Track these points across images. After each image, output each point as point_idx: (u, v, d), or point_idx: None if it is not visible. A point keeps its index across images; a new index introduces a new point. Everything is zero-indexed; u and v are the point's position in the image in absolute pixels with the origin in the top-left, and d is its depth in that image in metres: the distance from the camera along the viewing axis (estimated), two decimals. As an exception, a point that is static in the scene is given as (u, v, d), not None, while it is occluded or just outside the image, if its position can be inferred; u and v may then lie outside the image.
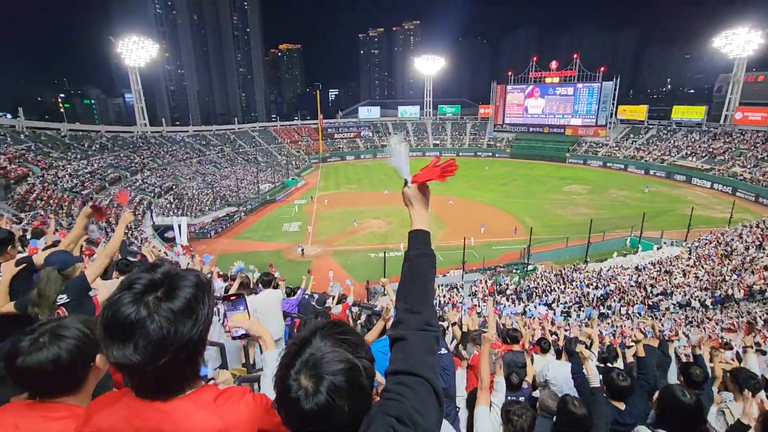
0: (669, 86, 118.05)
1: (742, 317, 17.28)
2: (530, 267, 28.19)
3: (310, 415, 0.91)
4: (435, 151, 72.97)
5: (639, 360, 3.67)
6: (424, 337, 1.15)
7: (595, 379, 3.11)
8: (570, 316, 19.94)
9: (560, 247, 30.94)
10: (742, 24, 51.21)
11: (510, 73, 73.12)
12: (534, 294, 23.14)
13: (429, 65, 79.68)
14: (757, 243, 25.83)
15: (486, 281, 25.99)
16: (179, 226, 31.17)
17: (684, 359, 5.84)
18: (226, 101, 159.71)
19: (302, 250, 30.30)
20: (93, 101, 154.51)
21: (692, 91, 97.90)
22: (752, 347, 5.18)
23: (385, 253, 25.23)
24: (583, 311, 20.39)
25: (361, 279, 24.99)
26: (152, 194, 40.90)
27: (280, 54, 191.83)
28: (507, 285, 25.01)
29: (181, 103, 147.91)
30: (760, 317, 16.55)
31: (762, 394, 3.29)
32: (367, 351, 1.05)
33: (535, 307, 21.29)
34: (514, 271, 27.84)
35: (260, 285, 5.43)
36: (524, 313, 20.13)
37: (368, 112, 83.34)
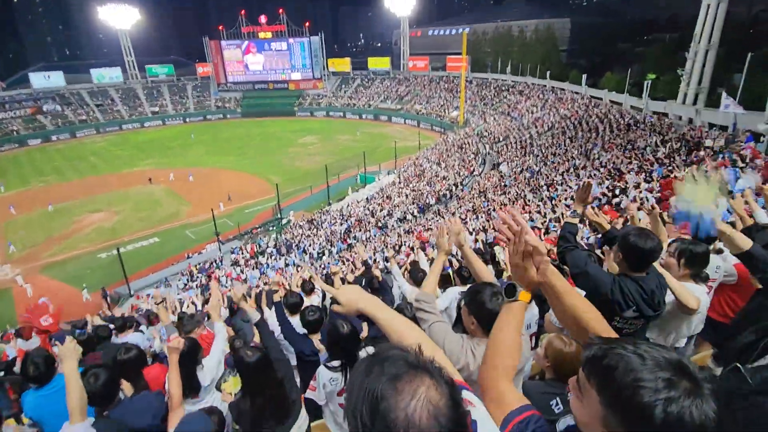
0: (363, 40, 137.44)
1: (436, 216, 23.58)
2: (284, 221, 29.68)
3: None
4: (156, 120, 63.54)
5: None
6: None
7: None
8: (324, 255, 22.49)
9: (306, 195, 33.58)
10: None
11: (221, 28, 68.91)
12: (292, 245, 24.76)
13: (122, 17, 65.69)
14: (437, 161, 35.00)
15: (245, 246, 25.96)
16: None
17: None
18: None
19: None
20: None
21: (379, 44, 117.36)
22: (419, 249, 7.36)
23: (118, 249, 21.38)
24: (334, 247, 23.34)
25: (95, 287, 20.75)
26: None
27: None
28: (266, 244, 25.75)
29: None
30: (442, 214, 23.07)
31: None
32: None
33: (296, 256, 22.97)
34: (271, 228, 28.76)
35: None
36: (286, 265, 21.44)
37: (46, 79, 63.12)
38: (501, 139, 35.05)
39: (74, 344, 2.34)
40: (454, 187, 28.55)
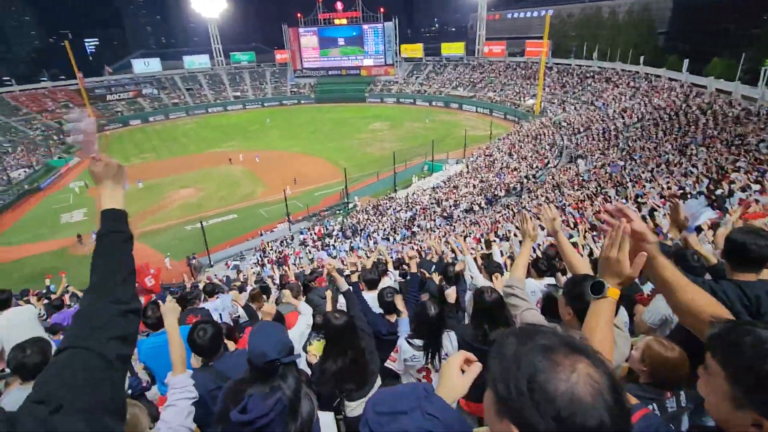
0: (437, 25, 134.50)
1: (505, 209, 22.71)
2: (350, 205, 30.39)
3: None
4: (238, 104, 67.88)
5: (411, 276, 4.14)
6: (107, 312, 1.09)
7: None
8: (389, 240, 22.71)
9: (373, 181, 34.04)
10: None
11: (300, 15, 71.32)
12: (357, 229, 25.31)
13: (210, 6, 70.66)
14: (508, 151, 33.57)
15: (313, 227, 27.01)
16: None
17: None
18: None
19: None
20: None
21: (453, 29, 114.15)
22: (496, 240, 7.09)
23: (202, 222, 23.34)
24: (398, 234, 23.47)
25: (180, 256, 22.85)
26: None
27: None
28: (333, 227, 26.59)
29: None
30: (512, 207, 22.13)
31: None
32: None
33: (360, 240, 23.47)
34: (337, 212, 29.62)
35: None
36: (351, 249, 21.99)
37: (146, 66, 70.18)
38: (581, 130, 32.66)
39: (174, 303, 2.58)
40: (525, 180, 27.23)
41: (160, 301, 4.28)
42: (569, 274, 2.53)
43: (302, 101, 69.48)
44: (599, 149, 27.38)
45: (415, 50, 70.57)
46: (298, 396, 1.62)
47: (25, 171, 40.07)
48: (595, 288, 1.43)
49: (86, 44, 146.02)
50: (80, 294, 8.14)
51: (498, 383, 0.80)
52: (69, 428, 0.86)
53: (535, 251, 6.31)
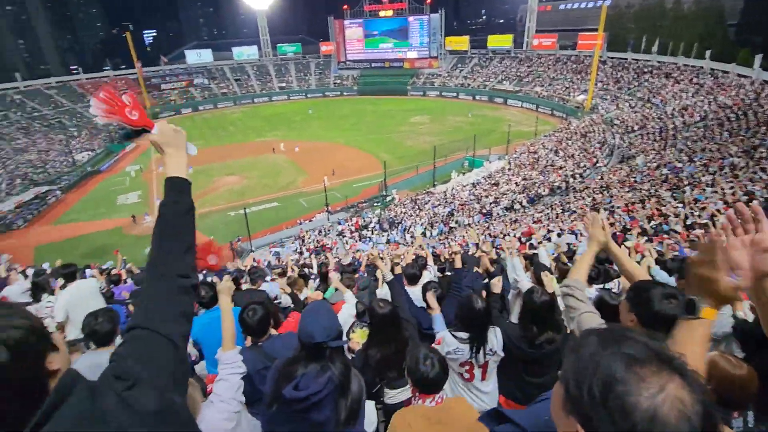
0: (484, 17, 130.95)
1: (547, 209, 21.94)
2: (388, 198, 30.41)
3: None
4: (282, 95, 69.45)
5: (455, 271, 4.18)
6: (169, 287, 1.13)
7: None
8: (425, 235, 22.55)
9: (412, 175, 33.86)
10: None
11: (345, 7, 71.71)
12: (394, 222, 25.31)
13: (259, -1, 72.61)
14: (554, 149, 32.32)
15: (351, 219, 27.29)
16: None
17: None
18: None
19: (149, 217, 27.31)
20: None
21: (502, 21, 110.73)
22: (542, 242, 6.83)
23: (245, 209, 24.17)
24: (435, 228, 23.25)
25: (224, 240, 23.78)
26: None
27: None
28: (370, 219, 26.74)
29: None
30: (558, 206, 21.32)
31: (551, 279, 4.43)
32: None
33: (397, 234, 23.47)
34: (375, 204, 29.74)
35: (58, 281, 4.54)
36: (388, 242, 22.03)
37: (198, 56, 73.26)
38: (635, 129, 30.87)
39: (230, 282, 2.65)
40: (571, 179, 26.13)
41: (216, 278, 4.45)
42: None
43: (345, 93, 70.07)
44: (654, 149, 25.80)
45: (461, 43, 69.13)
46: (347, 377, 1.68)
47: (88, 154, 43.03)
48: (688, 307, 1.31)
49: (145, 35, 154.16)
50: (137, 270, 8.64)
51: (570, 381, 0.75)
52: (143, 403, 0.92)
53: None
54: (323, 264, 7.24)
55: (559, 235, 12.96)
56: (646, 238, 10.33)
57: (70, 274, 4.31)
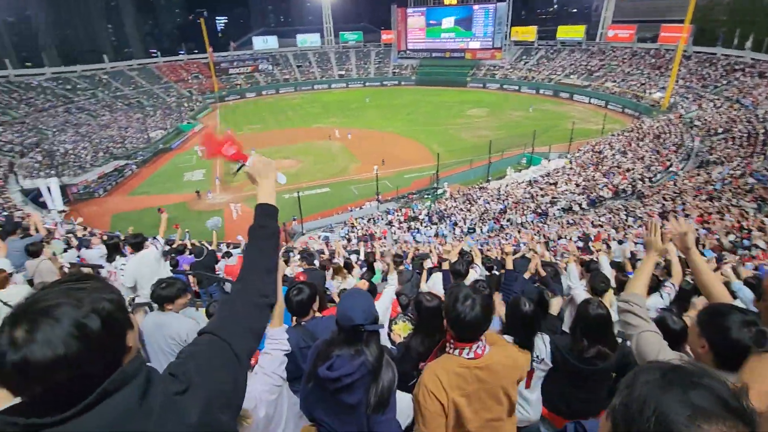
0: (555, 6, 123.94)
1: (610, 214, 20.62)
2: (439, 191, 30.04)
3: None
4: (341, 82, 70.44)
5: (506, 272, 4.09)
6: (247, 303, 1.20)
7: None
8: (475, 231, 22.09)
9: (465, 169, 33.13)
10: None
11: (410, -5, 71.04)
12: (444, 216, 24.99)
13: (325, -14, 73.78)
14: (622, 149, 30.20)
15: (401, 209, 27.31)
16: (48, 189, 27.21)
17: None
18: (87, 34, 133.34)
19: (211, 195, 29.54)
20: None
21: (575, 10, 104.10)
22: (601, 250, 6.41)
23: (298, 192, 24.94)
24: (486, 225, 22.68)
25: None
26: (12, 153, 34.71)
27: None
28: (420, 211, 26.60)
29: (27, 39, 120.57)
30: (622, 211, 19.96)
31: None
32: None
33: (446, 227, 23.16)
34: (426, 196, 29.51)
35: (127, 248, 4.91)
36: (436, 234, 21.83)
37: (264, 43, 76.09)
38: (719, 131, 28.02)
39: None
40: (639, 182, 24.30)
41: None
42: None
43: (403, 82, 69.72)
44: (740, 155, 23.31)
45: (527, 33, 66.07)
46: (380, 363, 1.72)
47: (161, 132, 46.35)
48: (758, 338, 1.18)
49: (217, 22, 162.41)
50: (195, 243, 9.26)
51: (620, 421, 0.69)
52: (187, 412, 0.92)
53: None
54: (370, 253, 7.31)
55: (620, 243, 12.15)
56: (716, 254, 9.37)
57: (138, 244, 4.65)
